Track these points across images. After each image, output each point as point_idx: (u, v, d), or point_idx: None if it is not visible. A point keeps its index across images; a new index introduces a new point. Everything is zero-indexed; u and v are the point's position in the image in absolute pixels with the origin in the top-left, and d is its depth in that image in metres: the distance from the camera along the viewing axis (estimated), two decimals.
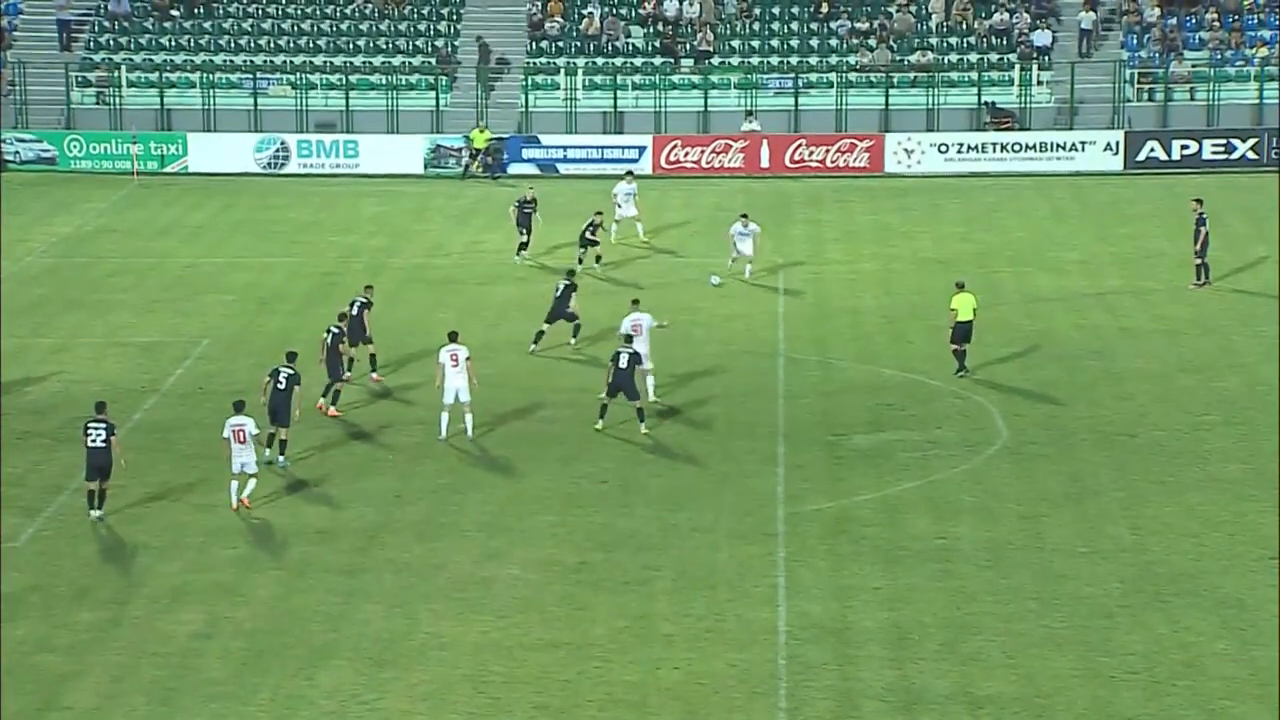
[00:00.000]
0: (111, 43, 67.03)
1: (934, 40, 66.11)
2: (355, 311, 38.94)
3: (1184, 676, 26.12)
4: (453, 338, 36.15)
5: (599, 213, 48.59)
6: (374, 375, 38.98)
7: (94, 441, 31.65)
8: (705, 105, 63.94)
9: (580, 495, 33.19)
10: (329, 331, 36.98)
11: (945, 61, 64.84)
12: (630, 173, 54.87)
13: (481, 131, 61.88)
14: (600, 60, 65.98)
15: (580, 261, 47.55)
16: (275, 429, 34.20)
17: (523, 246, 49.26)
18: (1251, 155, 60.90)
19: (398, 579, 29.63)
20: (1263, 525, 31.36)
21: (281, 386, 34.07)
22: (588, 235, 48.01)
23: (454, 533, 31.61)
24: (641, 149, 62.14)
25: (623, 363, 35.58)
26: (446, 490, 33.64)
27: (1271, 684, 25.81)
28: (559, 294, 40.99)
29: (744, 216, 47.55)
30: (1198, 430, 36.15)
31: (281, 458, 34.26)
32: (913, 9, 67.19)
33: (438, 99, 64.49)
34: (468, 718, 25.35)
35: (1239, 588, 28.89)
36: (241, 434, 32.30)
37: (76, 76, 64.99)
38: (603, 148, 62.38)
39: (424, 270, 49.67)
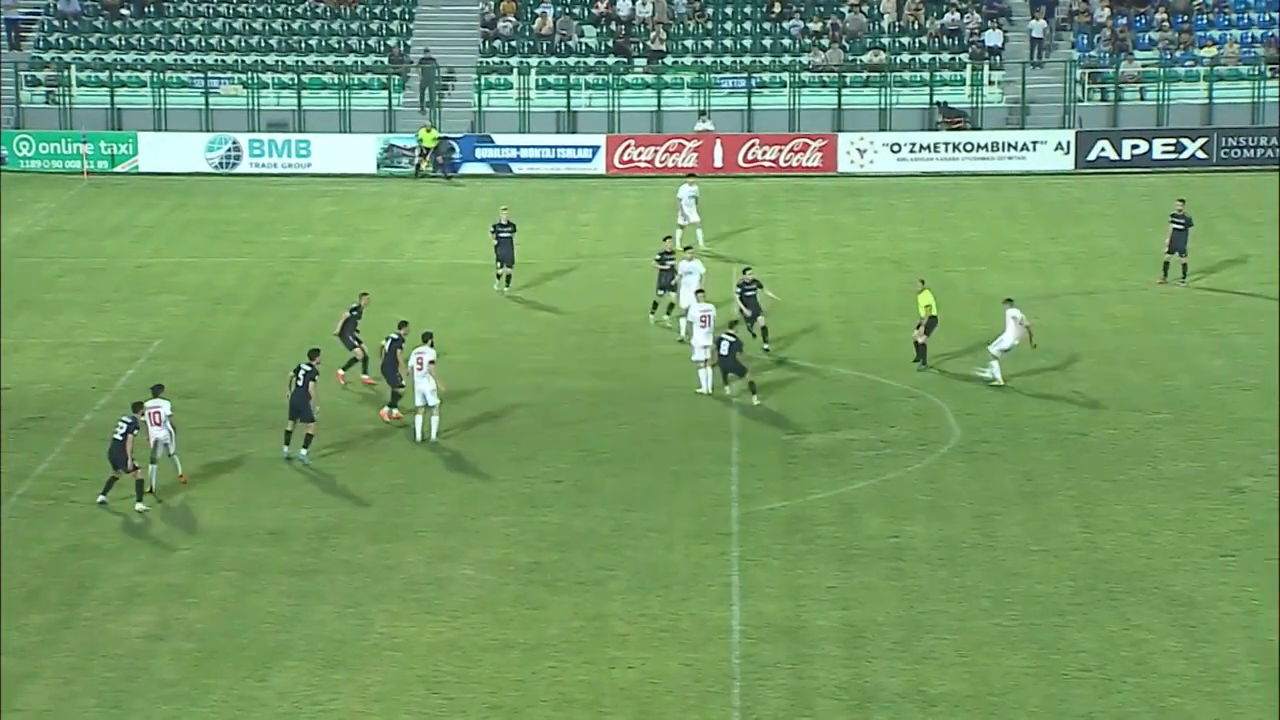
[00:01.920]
0: (61, 41, 66.66)
1: (886, 40, 66.28)
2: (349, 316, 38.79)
3: (1135, 674, 26.26)
4: (425, 339, 36.00)
5: (667, 238, 45.51)
6: (364, 377, 38.79)
7: (115, 433, 32.23)
8: (659, 105, 63.98)
9: (535, 495, 33.16)
10: (389, 339, 36.54)
11: (897, 61, 65.04)
12: (692, 174, 54.15)
13: (429, 131, 61.77)
14: (553, 60, 65.95)
15: (654, 308, 43.30)
16: (296, 425, 34.27)
17: (505, 278, 45.98)
18: (1201, 155, 61.27)
19: (351, 580, 29.56)
20: (1213, 523, 31.55)
21: (300, 383, 34.10)
22: (660, 265, 42.99)
23: (408, 533, 31.54)
24: (595, 149, 62.14)
25: (724, 349, 37.06)
26: (401, 490, 33.55)
27: (1221, 681, 25.97)
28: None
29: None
30: (1149, 429, 36.34)
31: (304, 452, 34.33)
32: (865, 9, 67.35)
33: (390, 98, 64.34)
34: (421, 718, 25.29)
35: (1189, 585, 29.06)
36: (157, 415, 32.79)
37: (25, 75, 64.59)
38: (556, 147, 62.34)
39: (377, 270, 49.54)
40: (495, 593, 29.06)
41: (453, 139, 62.08)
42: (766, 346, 40.77)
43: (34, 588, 29.14)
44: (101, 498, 32.32)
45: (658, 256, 43.22)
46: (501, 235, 46.12)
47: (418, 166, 61.55)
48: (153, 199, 58.43)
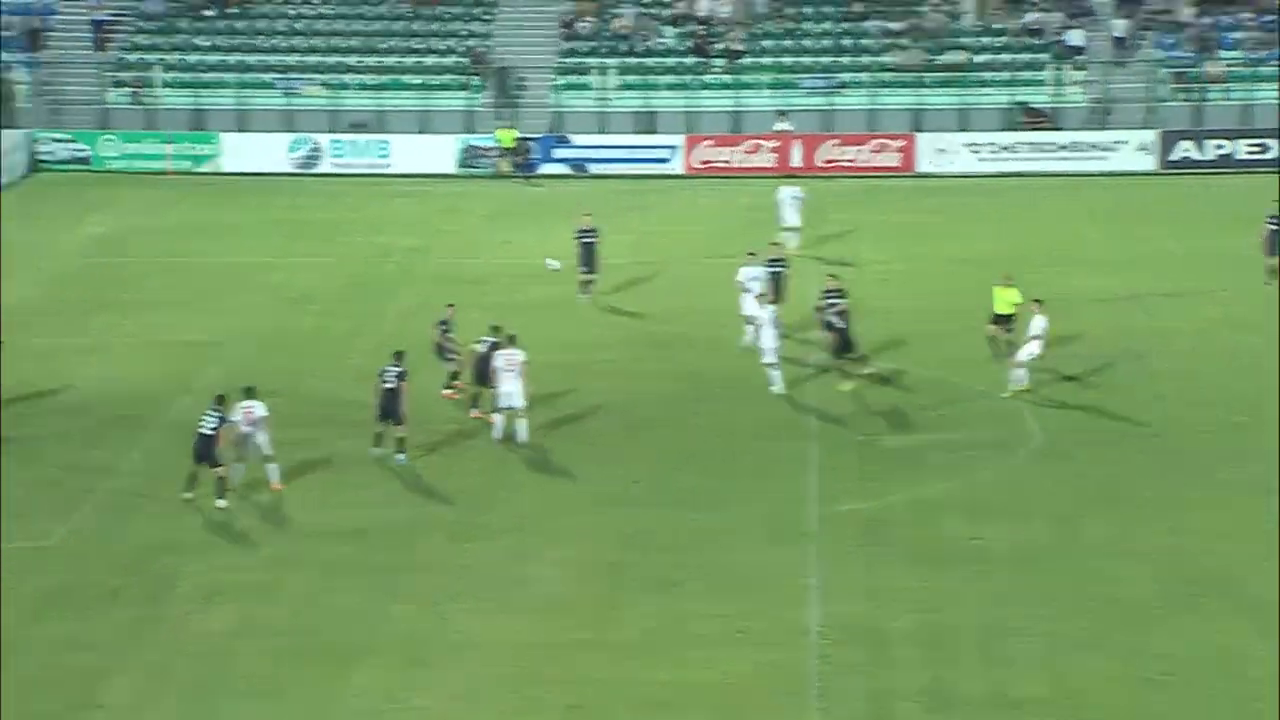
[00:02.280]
0: (146, 43, 67.25)
1: (967, 39, 65.99)
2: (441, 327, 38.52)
3: (1219, 679, 26.05)
4: (511, 340, 36.00)
5: (774, 243, 44.70)
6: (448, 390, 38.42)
7: (202, 428, 32.40)
8: (737, 105, 63.94)
9: (614, 495, 33.23)
10: (481, 342, 36.59)
11: (978, 61, 64.73)
12: (793, 175, 53.69)
13: (508, 131, 61.96)
14: (632, 60, 66.01)
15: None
16: (387, 427, 34.38)
17: (589, 284, 45.28)
18: None
19: (431, 578, 29.70)
20: None
21: (389, 385, 34.26)
22: (771, 270, 42.08)
23: (488, 533, 31.67)
24: (673, 149, 62.16)
25: (838, 321, 38.05)
26: (481, 490, 33.69)
27: None
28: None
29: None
30: (1231, 431, 36.03)
31: (401, 456, 34.41)
32: (945, 8, 67.08)
33: (470, 99, 64.57)
34: (500, 717, 25.40)
35: (1274, 589, 28.76)
36: (250, 414, 32.84)
37: (111, 77, 65.23)
38: (634, 147, 62.40)
39: (456, 270, 49.74)
40: (574, 592, 29.14)
41: (530, 139, 62.26)
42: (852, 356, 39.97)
43: (117, 584, 29.44)
44: (187, 494, 32.59)
45: (767, 262, 42.13)
46: (585, 240, 45.52)
47: (497, 167, 61.76)
48: (235, 199, 58.90)
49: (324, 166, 62.58)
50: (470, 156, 62.58)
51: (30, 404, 38.18)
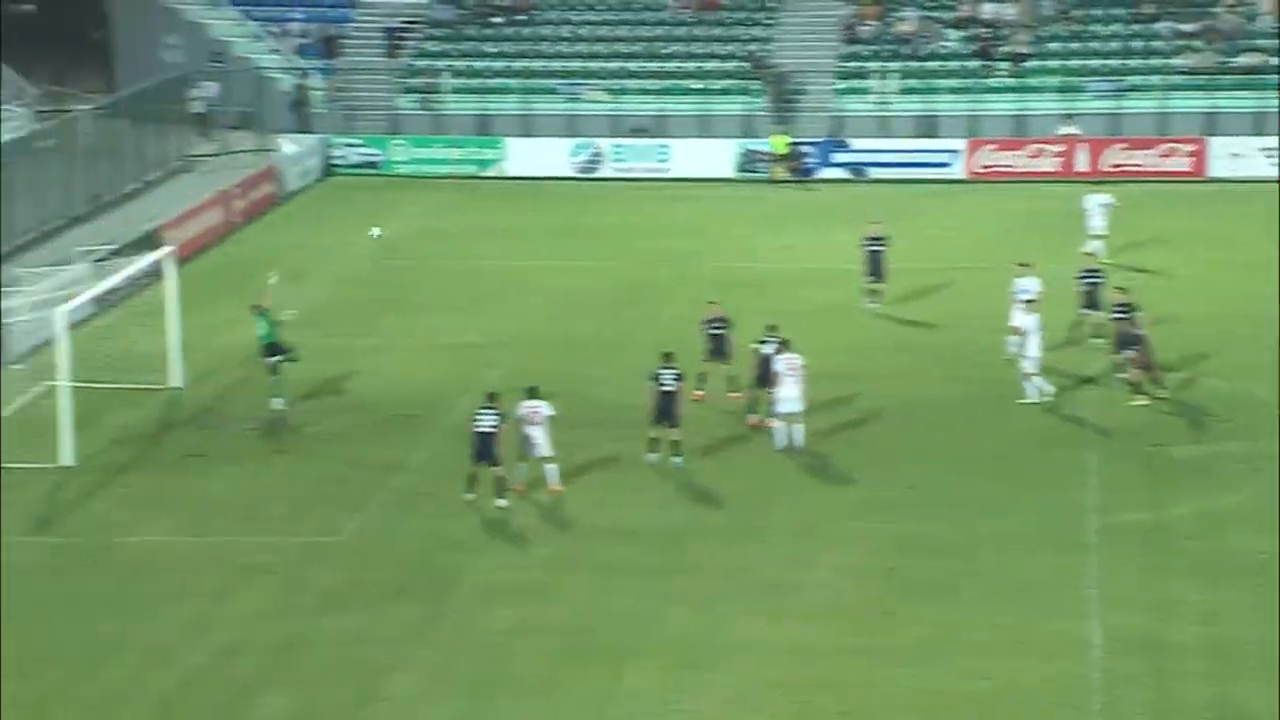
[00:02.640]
0: (436, 49, 68.70)
1: (1263, 41, 64.13)
2: (714, 331, 38.38)
3: None
4: (786, 344, 35.85)
5: (1088, 253, 44.10)
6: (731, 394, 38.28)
7: (481, 427, 32.69)
8: (1021, 109, 63.02)
9: (890, 501, 33.04)
10: (763, 342, 36.64)
11: (1274, 63, 62.85)
12: (1098, 183, 52.78)
13: (781, 136, 61.90)
14: (914, 64, 65.51)
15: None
16: (663, 430, 34.58)
17: (876, 293, 44.60)
18: None
19: (705, 582, 29.84)
20: None
21: (668, 388, 34.49)
22: (1087, 290, 41.29)
23: (762, 536, 31.72)
24: (954, 153, 61.54)
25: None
26: (756, 494, 33.75)
27: None
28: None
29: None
30: None
31: (678, 459, 34.64)
32: (1241, 9, 65.30)
33: (749, 103, 64.71)
34: None
35: None
36: (535, 415, 33.12)
37: (402, 83, 66.79)
38: (914, 151, 61.93)
39: (734, 274, 49.88)
40: (848, 598, 29.04)
41: (806, 144, 62.12)
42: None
43: (402, 581, 30.14)
44: (469, 495, 33.16)
45: (1080, 274, 41.37)
46: (873, 248, 44.84)
47: (771, 172, 61.75)
48: (517, 203, 59.84)
49: (605, 171, 63.24)
50: (748, 161, 62.68)
51: (320, 400, 39.30)
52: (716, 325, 38.61)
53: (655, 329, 43.74)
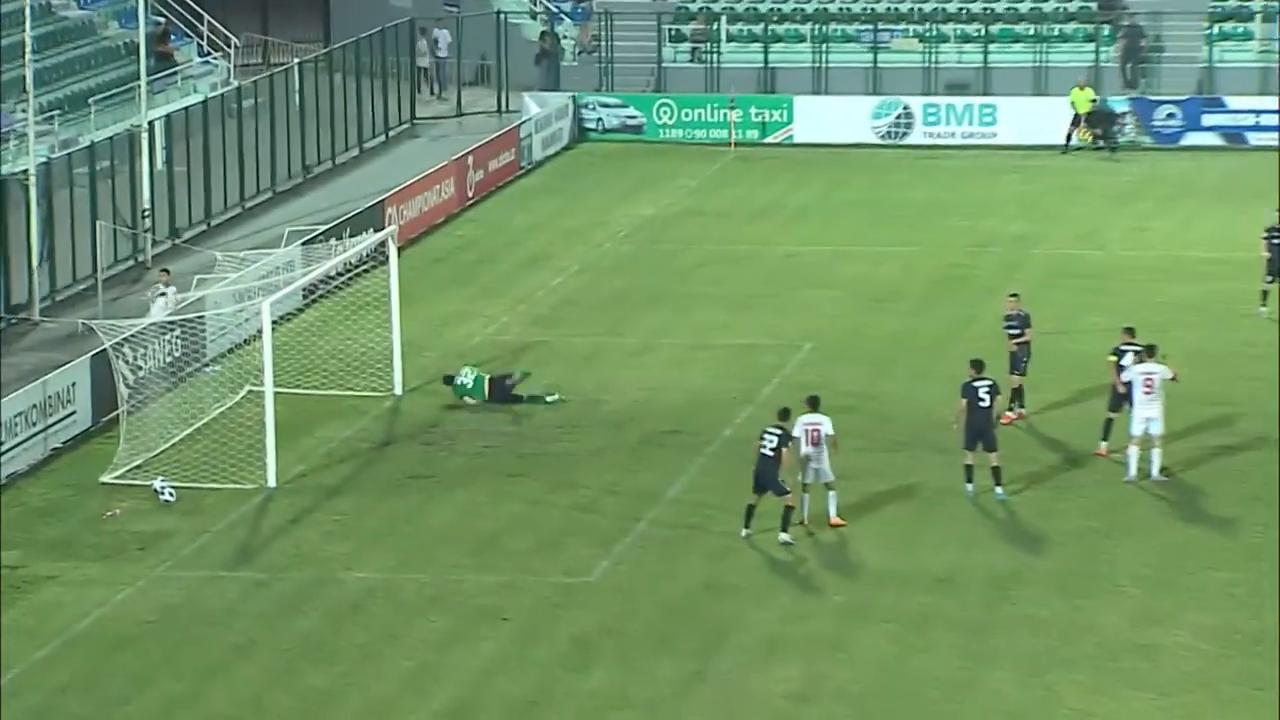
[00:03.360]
0: None
1: None
2: (1011, 330, 38.24)
3: None
4: (1149, 352, 35.38)
5: None
6: (1011, 412, 38.00)
7: (767, 449, 32.87)
8: None
9: (1265, 548, 32.39)
10: (1119, 351, 36.36)
11: None
12: None
13: (1082, 90, 60.92)
14: None
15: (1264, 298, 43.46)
16: (979, 454, 34.51)
17: (1271, 296, 44.06)
18: None
19: (1034, 641, 29.55)
20: None
21: (984, 403, 34.43)
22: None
23: (1105, 587, 31.32)
24: None
25: None
26: (1096, 535, 33.34)
27: None
28: None
29: None
30: None
31: (1000, 490, 34.52)
32: None
33: (1096, 53, 63.90)
34: None
35: None
36: (816, 433, 33.05)
37: (669, 29, 67.11)
38: None
39: (1072, 263, 49.28)
40: (1215, 666, 28.55)
41: (1116, 103, 61.05)
42: None
43: (666, 631, 30.31)
44: (745, 531, 33.27)
45: (1265, 232, 41.54)
46: (1276, 241, 44.03)
47: (1068, 137, 60.86)
48: (807, 175, 59.84)
49: (914, 136, 62.96)
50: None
51: (565, 413, 39.71)
52: (1012, 325, 38.36)
53: (974, 331, 43.41)
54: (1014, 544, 33.19)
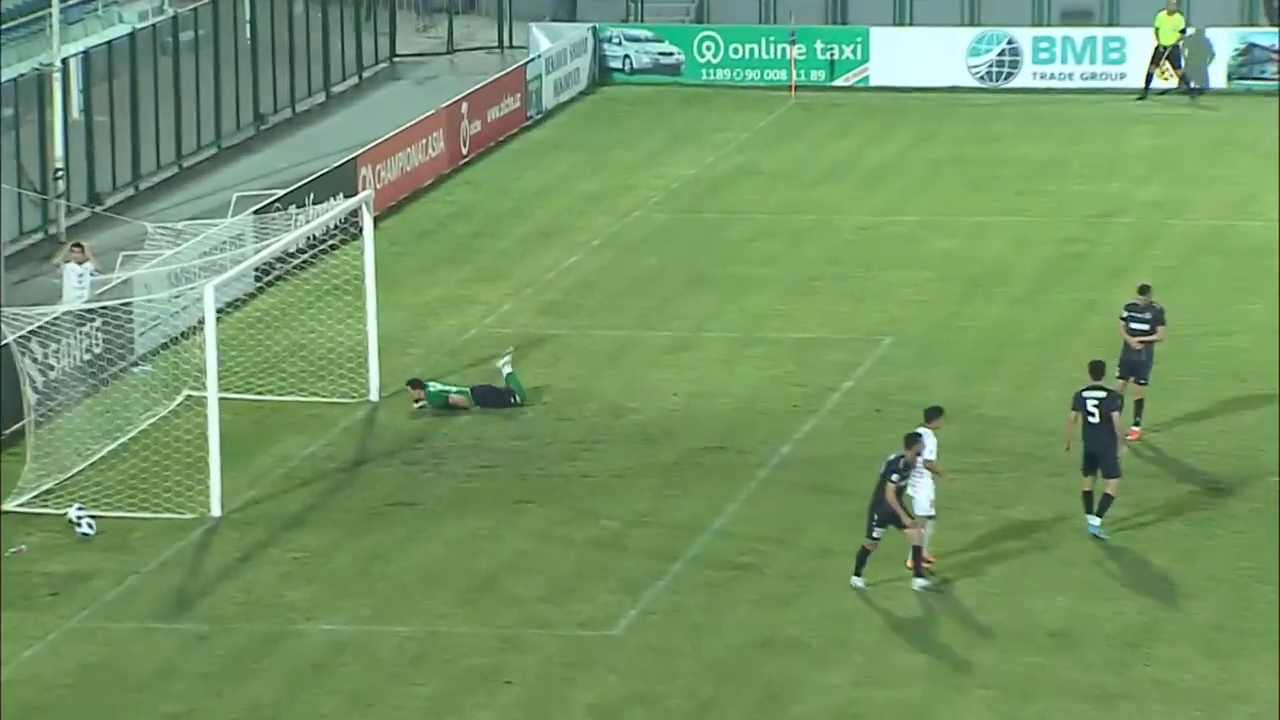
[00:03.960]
0: None
1: None
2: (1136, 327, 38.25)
3: None
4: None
5: None
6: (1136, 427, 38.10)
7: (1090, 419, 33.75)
8: None
9: None
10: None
11: None
12: None
13: (1171, 15, 60.84)
14: None
15: None
16: (1096, 480, 34.53)
17: None
18: None
19: (1175, 711, 29.55)
20: None
21: (1094, 418, 34.44)
22: None
23: (1261, 645, 31.30)
24: None
25: None
26: (1250, 578, 33.33)
27: None
28: None
29: None
30: None
31: (1095, 521, 34.49)
32: None
33: None
34: None
35: None
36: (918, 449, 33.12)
37: None
38: None
39: (1221, 236, 49.26)
40: None
41: (1265, 35, 61.13)
42: None
43: (709, 699, 30.32)
44: (857, 579, 33.09)
45: None
46: None
47: (1149, 77, 60.80)
48: (887, 126, 59.88)
49: (1022, 78, 62.99)
50: (1245, 61, 61.85)
51: (584, 424, 39.72)
52: (1138, 318, 38.20)
53: (1095, 323, 43.39)
54: (1147, 592, 33.17)
